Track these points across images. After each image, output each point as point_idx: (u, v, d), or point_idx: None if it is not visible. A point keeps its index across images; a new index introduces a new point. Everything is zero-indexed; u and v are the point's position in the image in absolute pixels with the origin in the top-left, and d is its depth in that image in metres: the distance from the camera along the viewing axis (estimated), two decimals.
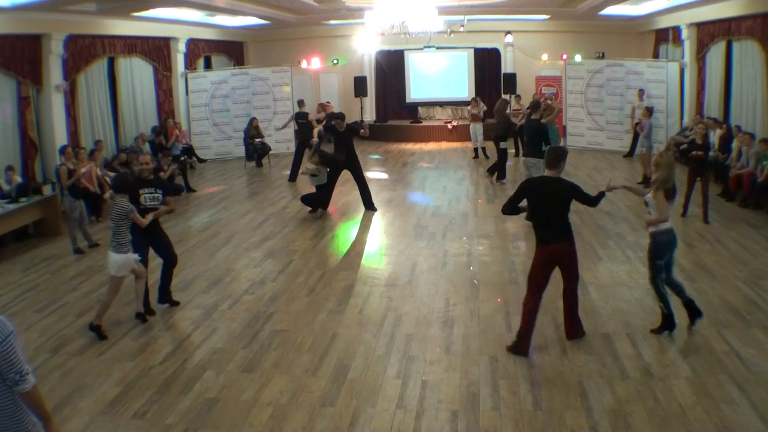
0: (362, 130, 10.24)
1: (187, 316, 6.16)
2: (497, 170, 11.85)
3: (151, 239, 6.25)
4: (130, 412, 4.45)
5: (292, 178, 12.60)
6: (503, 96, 13.75)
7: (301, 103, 13.67)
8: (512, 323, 5.69)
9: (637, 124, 13.68)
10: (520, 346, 5.10)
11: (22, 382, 2.64)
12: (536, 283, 5.10)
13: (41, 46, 10.34)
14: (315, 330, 5.74)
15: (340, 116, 10.18)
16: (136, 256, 5.83)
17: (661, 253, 5.37)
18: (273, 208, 10.53)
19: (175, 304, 6.43)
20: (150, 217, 6.06)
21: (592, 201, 5.22)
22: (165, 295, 6.41)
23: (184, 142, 14.15)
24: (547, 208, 5.00)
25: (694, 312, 5.40)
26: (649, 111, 11.37)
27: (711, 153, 11.41)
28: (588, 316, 5.77)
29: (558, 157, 5.06)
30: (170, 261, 6.37)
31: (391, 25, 10.93)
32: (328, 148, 10.08)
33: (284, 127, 13.96)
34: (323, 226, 9.35)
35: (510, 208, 5.16)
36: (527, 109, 9.70)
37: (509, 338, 5.39)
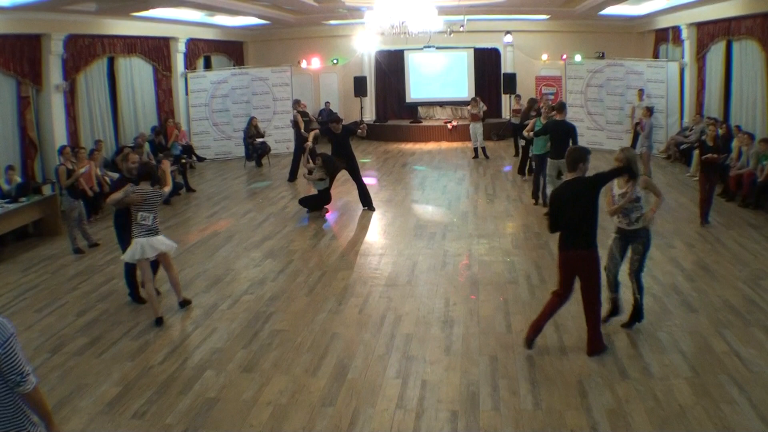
0: (359, 131, 10.25)
1: (187, 316, 6.16)
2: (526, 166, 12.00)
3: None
4: (129, 412, 4.45)
5: (292, 178, 12.59)
6: (532, 96, 13.87)
7: (297, 102, 13.67)
8: (512, 323, 5.69)
9: (637, 123, 13.69)
10: (527, 335, 5.10)
11: (24, 383, 2.64)
12: (561, 283, 5.04)
13: (41, 46, 10.35)
14: (315, 330, 5.73)
15: (336, 119, 10.22)
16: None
17: (650, 245, 5.41)
18: (273, 208, 10.52)
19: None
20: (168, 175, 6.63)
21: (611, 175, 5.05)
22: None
23: (183, 142, 14.14)
24: (572, 213, 4.85)
25: (639, 313, 5.46)
26: (650, 111, 11.35)
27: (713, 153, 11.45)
28: None
29: (576, 158, 4.97)
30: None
31: (391, 25, 10.92)
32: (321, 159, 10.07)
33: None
34: (323, 226, 9.35)
35: (554, 226, 4.99)
36: (551, 110, 9.64)
37: (509, 338, 5.40)
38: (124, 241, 6.23)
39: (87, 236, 8.63)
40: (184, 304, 6.31)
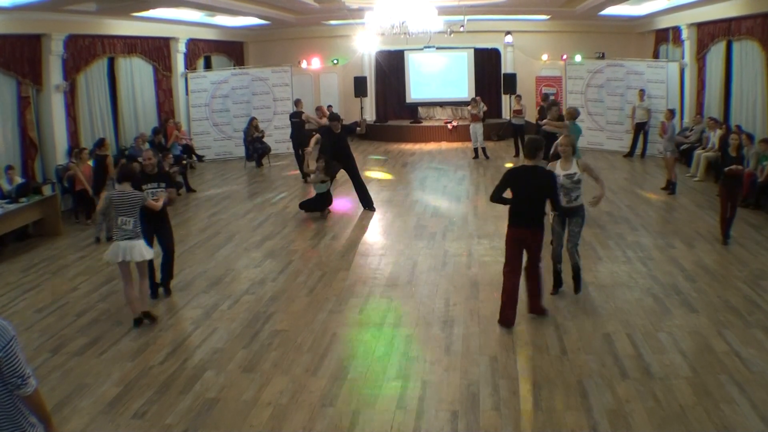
0: (358, 128, 10.22)
1: (187, 316, 6.16)
2: None
3: (155, 228, 6.42)
4: (130, 412, 4.45)
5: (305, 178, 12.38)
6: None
7: (297, 102, 13.63)
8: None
9: (638, 123, 13.74)
10: (501, 317, 5.62)
11: (24, 386, 2.64)
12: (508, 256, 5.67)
13: (41, 46, 10.34)
14: (315, 330, 5.73)
15: (336, 118, 10.22)
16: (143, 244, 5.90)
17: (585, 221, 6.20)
18: (273, 208, 10.53)
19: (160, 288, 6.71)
20: (161, 201, 6.23)
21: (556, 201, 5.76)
22: (166, 287, 6.71)
23: (183, 142, 14.13)
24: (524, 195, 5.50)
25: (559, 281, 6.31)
26: (672, 113, 11.32)
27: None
28: (588, 316, 5.78)
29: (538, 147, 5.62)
30: (170, 250, 6.61)
31: (391, 25, 10.91)
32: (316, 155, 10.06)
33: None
34: (323, 226, 9.35)
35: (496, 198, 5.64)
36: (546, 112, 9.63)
37: (509, 338, 5.40)
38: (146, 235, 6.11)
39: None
40: (145, 316, 5.90)
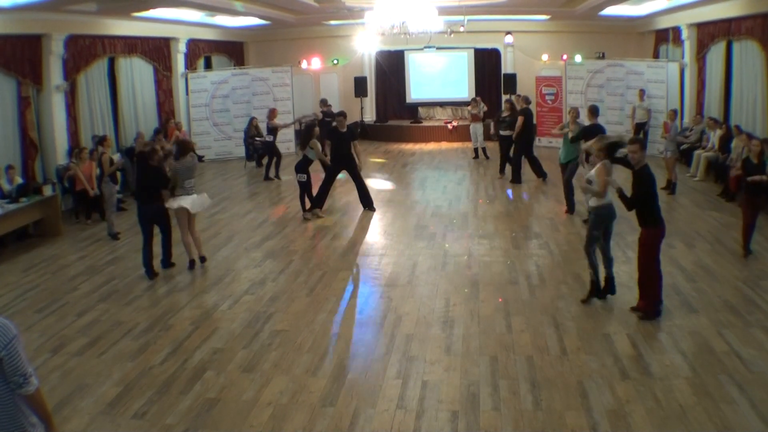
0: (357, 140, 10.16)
1: (187, 316, 6.16)
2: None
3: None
4: (130, 412, 4.45)
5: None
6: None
7: (324, 102, 13.66)
8: (512, 323, 5.70)
9: (638, 124, 13.74)
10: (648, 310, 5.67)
11: (26, 385, 2.64)
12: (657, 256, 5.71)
13: (41, 46, 10.34)
14: (315, 330, 5.74)
15: (342, 114, 10.18)
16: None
17: (599, 225, 6.02)
18: (273, 208, 10.52)
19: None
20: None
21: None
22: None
23: None
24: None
25: (610, 287, 6.07)
26: (675, 113, 11.27)
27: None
28: (588, 316, 5.78)
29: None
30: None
31: (391, 25, 10.92)
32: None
33: (288, 125, 13.94)
34: (323, 226, 9.35)
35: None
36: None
37: (510, 338, 5.40)
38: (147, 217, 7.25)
39: (112, 225, 8.95)
40: (203, 260, 7.57)
